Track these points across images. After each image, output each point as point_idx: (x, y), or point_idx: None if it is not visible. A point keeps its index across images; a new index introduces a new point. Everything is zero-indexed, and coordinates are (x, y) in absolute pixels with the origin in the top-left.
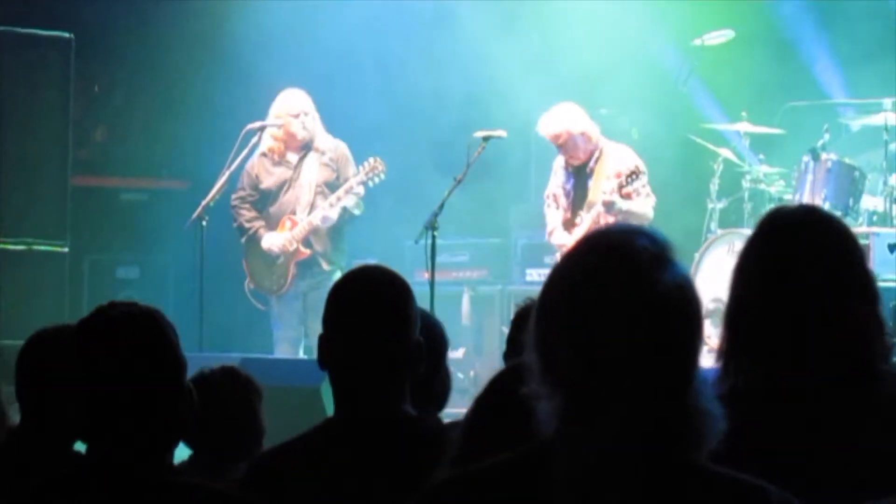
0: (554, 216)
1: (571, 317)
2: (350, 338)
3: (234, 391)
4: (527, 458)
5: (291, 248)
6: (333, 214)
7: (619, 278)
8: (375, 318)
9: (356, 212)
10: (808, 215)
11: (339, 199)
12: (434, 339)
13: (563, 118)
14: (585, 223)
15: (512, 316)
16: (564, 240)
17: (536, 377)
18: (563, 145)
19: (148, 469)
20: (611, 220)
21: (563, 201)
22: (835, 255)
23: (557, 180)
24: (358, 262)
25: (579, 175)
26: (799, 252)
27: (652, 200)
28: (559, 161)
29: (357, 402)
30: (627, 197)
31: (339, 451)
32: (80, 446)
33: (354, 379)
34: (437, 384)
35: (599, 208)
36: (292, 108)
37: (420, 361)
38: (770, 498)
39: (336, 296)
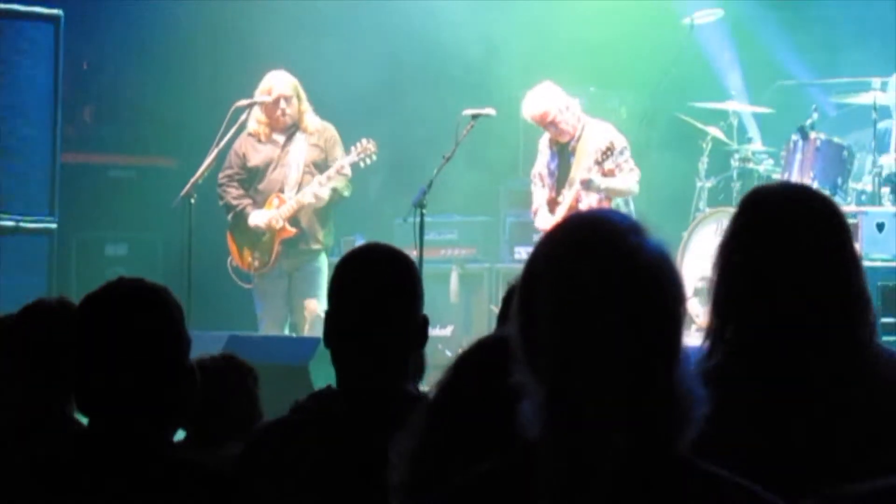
0: (539, 195)
1: (553, 294)
2: (354, 314)
3: (233, 378)
4: (511, 466)
5: (277, 226)
6: (324, 193)
7: (599, 252)
8: (379, 295)
9: (345, 193)
10: (789, 192)
11: (329, 178)
12: None
13: (543, 98)
14: (567, 201)
15: (502, 294)
16: (546, 223)
17: (520, 361)
18: (547, 125)
19: (151, 445)
20: (593, 197)
21: (547, 181)
22: (816, 230)
23: (543, 159)
24: (346, 240)
25: (563, 153)
26: (780, 228)
27: (636, 175)
28: (544, 140)
29: (360, 377)
30: (610, 174)
31: (337, 428)
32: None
33: (358, 356)
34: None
35: (579, 186)
36: (279, 89)
37: (424, 338)
38: (758, 500)
39: (341, 272)
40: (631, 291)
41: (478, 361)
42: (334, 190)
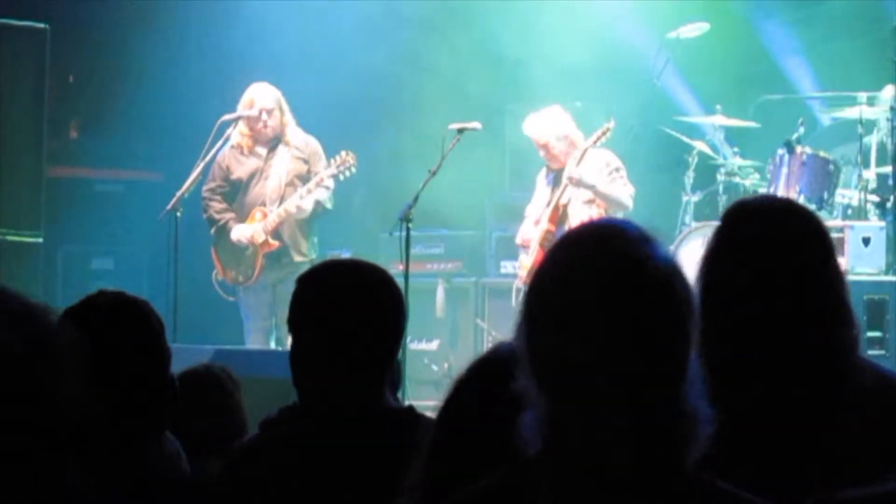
0: (527, 227)
1: (559, 304)
2: (314, 333)
3: (218, 391)
4: (512, 481)
5: (260, 240)
6: (307, 205)
7: (607, 262)
8: (336, 311)
9: (328, 206)
10: (771, 205)
11: (309, 191)
12: None
13: (545, 122)
14: (553, 202)
15: (488, 308)
16: (527, 234)
17: (525, 373)
18: (544, 147)
19: (128, 457)
20: (581, 200)
21: (544, 209)
22: (797, 244)
23: (539, 196)
24: (332, 254)
25: (558, 180)
26: (761, 242)
27: (630, 189)
28: (541, 175)
29: (333, 396)
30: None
31: (318, 443)
32: None
33: (326, 374)
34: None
35: (570, 193)
36: (261, 102)
37: (395, 350)
38: None
39: (298, 295)
40: (639, 302)
41: (479, 380)
42: (317, 202)
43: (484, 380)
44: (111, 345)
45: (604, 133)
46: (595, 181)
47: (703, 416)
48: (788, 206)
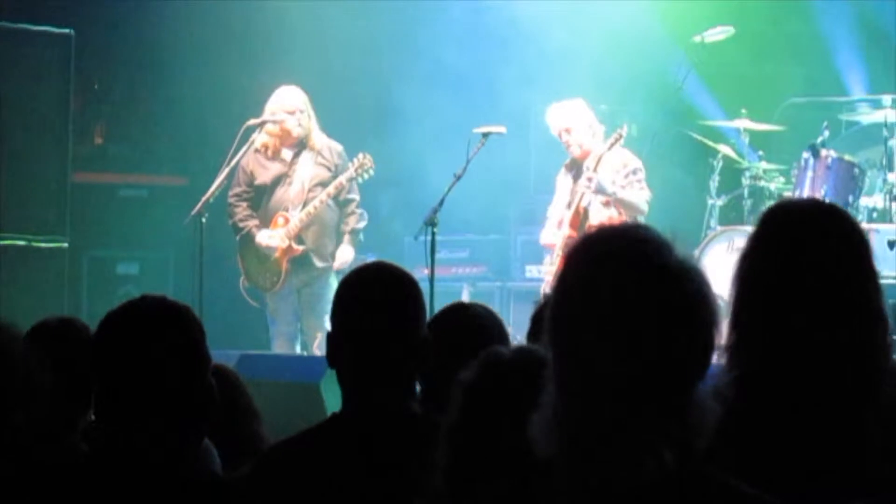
0: (550, 228)
1: (584, 305)
2: (357, 336)
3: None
4: (523, 484)
5: (284, 245)
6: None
7: (632, 260)
8: (382, 316)
9: (360, 225)
10: (810, 207)
11: (329, 195)
12: None
13: (571, 110)
14: (573, 206)
15: (513, 313)
16: (550, 236)
17: (549, 375)
18: (567, 132)
19: (173, 463)
20: (599, 204)
21: (565, 211)
22: (836, 246)
23: (560, 196)
24: (357, 258)
25: (577, 175)
26: (807, 244)
27: (646, 194)
28: (561, 175)
29: (365, 399)
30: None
31: (345, 447)
32: None
33: (362, 376)
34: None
35: (589, 197)
36: (288, 105)
37: (427, 358)
38: None
39: (343, 294)
40: (659, 305)
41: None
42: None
43: (488, 383)
44: (154, 350)
45: (617, 139)
46: (612, 188)
47: (710, 410)
48: (828, 208)
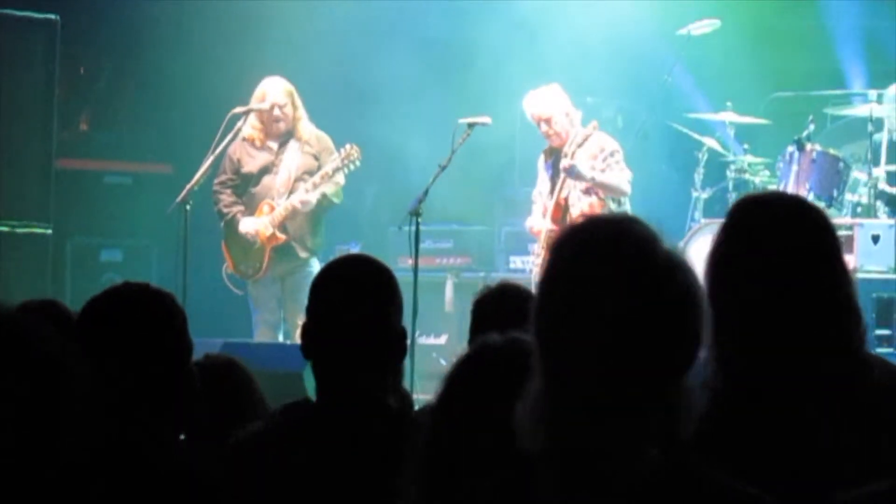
0: (537, 215)
1: (570, 296)
2: (332, 328)
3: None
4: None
5: (267, 233)
6: (312, 199)
7: (618, 252)
8: (357, 308)
9: (335, 200)
10: (777, 201)
11: (315, 185)
12: None
13: (548, 98)
14: (555, 196)
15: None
16: (536, 222)
17: (535, 365)
18: (547, 122)
19: (154, 450)
20: (580, 191)
21: (547, 200)
22: (803, 239)
23: (542, 179)
24: (341, 248)
25: (556, 163)
26: (768, 237)
27: (627, 174)
28: (541, 160)
29: (339, 391)
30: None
31: (319, 439)
32: None
33: (337, 368)
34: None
35: (569, 187)
36: (273, 96)
37: (403, 350)
38: None
39: (318, 286)
40: (645, 294)
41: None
42: (324, 196)
43: (475, 374)
44: (136, 337)
45: (587, 137)
46: (590, 173)
47: (694, 401)
48: (795, 201)
